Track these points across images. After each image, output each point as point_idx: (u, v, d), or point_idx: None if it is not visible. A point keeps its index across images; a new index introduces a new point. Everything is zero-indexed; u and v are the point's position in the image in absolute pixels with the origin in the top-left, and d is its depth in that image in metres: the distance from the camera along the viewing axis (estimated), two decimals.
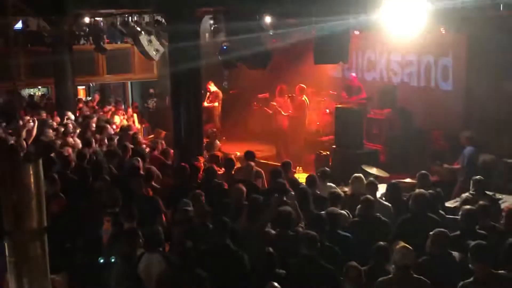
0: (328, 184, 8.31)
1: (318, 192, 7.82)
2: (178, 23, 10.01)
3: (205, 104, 15.48)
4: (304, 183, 8.17)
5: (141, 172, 8.73)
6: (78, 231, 6.77)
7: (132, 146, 10.61)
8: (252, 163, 9.01)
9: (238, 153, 12.90)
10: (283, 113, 13.56)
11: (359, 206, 6.83)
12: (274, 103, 13.97)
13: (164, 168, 9.33)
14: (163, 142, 11.22)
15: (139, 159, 9.34)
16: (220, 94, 16.14)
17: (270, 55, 10.13)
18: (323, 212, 6.73)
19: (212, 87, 15.96)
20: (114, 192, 7.21)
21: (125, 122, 14.25)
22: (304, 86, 13.56)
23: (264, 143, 13.99)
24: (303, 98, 13.41)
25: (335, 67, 14.70)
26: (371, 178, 7.90)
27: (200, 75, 10.51)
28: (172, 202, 7.54)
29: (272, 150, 13.48)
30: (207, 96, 15.82)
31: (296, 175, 10.94)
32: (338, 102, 13.29)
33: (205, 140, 11.48)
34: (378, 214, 6.79)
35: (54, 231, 4.05)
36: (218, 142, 12.00)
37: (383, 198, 7.75)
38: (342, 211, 6.94)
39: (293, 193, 7.58)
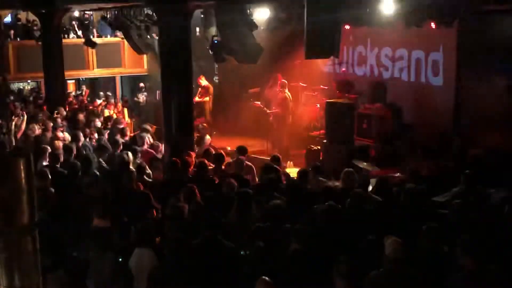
0: (320, 178, 8.37)
1: (309, 187, 7.89)
2: (169, 17, 9.99)
3: (196, 98, 15.47)
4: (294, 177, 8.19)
5: (131, 166, 8.77)
6: (68, 226, 6.77)
7: (122, 140, 10.60)
8: (243, 158, 9.06)
9: (229, 148, 12.92)
10: (267, 111, 13.62)
11: (349, 200, 6.86)
12: (258, 103, 14.02)
13: (154, 162, 9.34)
14: (149, 136, 11.20)
15: (130, 153, 9.40)
16: (211, 89, 16.15)
17: (260, 49, 10.13)
18: (316, 206, 6.79)
19: (203, 82, 15.96)
20: (103, 188, 7.20)
21: (115, 117, 14.23)
22: (285, 81, 13.59)
23: (256, 137, 13.94)
24: (286, 94, 13.42)
25: (326, 62, 14.73)
26: (362, 173, 7.92)
27: (191, 70, 10.54)
28: (163, 197, 7.57)
29: (263, 144, 13.48)
30: (198, 91, 15.81)
31: (287, 170, 11.00)
32: (329, 97, 13.31)
33: (195, 135, 11.49)
34: (369, 207, 6.82)
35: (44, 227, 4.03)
36: (208, 136, 12.00)
37: (373, 192, 7.74)
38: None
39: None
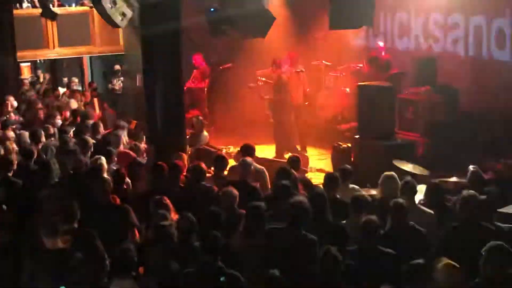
0: (351, 186, 8.39)
1: (338, 196, 7.89)
2: None
3: (189, 84, 15.47)
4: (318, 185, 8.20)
5: (105, 174, 8.78)
6: (25, 252, 6.79)
7: (93, 140, 10.63)
8: (251, 160, 8.99)
9: (232, 148, 12.90)
10: (264, 96, 13.67)
11: (390, 214, 6.89)
12: (252, 85, 14.08)
13: (135, 168, 9.37)
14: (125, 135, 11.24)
15: (103, 157, 9.39)
16: (208, 71, 16.16)
17: (271, 19, 10.12)
18: (346, 222, 6.85)
19: (198, 62, 16.00)
20: (69, 202, 7.21)
21: (83, 109, 14.27)
22: (279, 59, 13.46)
23: (266, 134, 13.99)
24: (280, 74, 13.33)
25: (357, 34, 14.64)
26: (407, 177, 7.95)
27: (181, 46, 10.53)
28: (147, 213, 7.55)
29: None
30: (192, 74, 15.82)
31: (308, 175, 11.00)
32: (362, 79, 13.27)
33: (188, 132, 11.48)
34: (413, 223, 6.82)
35: None
36: (205, 133, 12.00)
37: (422, 203, 7.77)
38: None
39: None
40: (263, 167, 9.40)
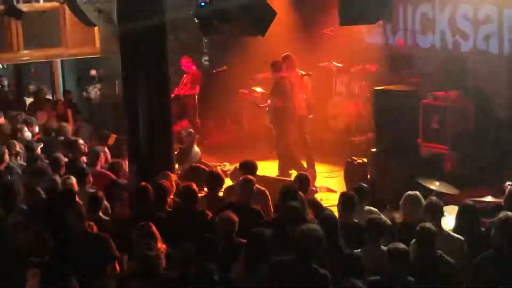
0: (367, 208, 8.42)
1: (356, 220, 7.93)
2: None
3: (178, 91, 15.45)
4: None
5: (78, 198, 8.73)
6: None
7: (65, 159, 10.61)
8: (251, 179, 8.96)
9: (228, 165, 12.84)
10: (260, 105, 13.64)
11: (414, 241, 6.91)
12: (245, 91, 14.10)
13: (114, 190, 9.31)
14: (106, 151, 11.20)
15: (73, 177, 9.38)
16: (200, 76, 16.13)
17: (272, 14, 10.10)
18: (363, 250, 6.86)
19: (188, 66, 16.00)
20: (38, 231, 7.19)
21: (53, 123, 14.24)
22: (279, 60, 13.35)
23: (267, 148, 13.97)
24: (281, 78, 13.16)
25: (373, 30, 14.72)
26: (432, 198, 7.95)
27: (166, 46, 10.53)
28: (129, 242, 7.50)
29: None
30: (182, 79, 15.82)
31: (317, 195, 10.99)
32: (379, 83, 13.25)
33: (177, 147, 11.44)
34: (440, 252, 6.79)
35: None
36: (196, 148, 11.96)
37: (452, 228, 7.75)
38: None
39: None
40: (264, 189, 9.39)
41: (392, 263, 6.43)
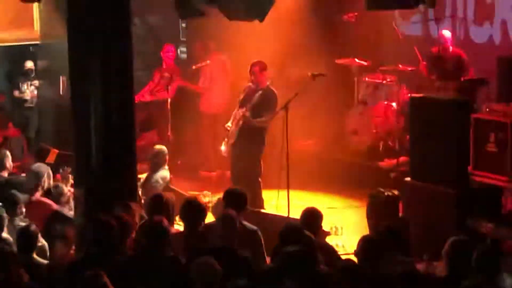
0: (400, 258, 8.45)
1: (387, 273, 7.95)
2: None
3: (144, 93, 15.42)
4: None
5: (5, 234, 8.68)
6: None
7: None
8: (234, 215, 9.13)
9: (210, 195, 12.86)
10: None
11: None
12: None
13: (55, 225, 9.23)
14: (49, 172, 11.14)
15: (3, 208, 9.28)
16: (177, 72, 16.23)
17: None
18: None
19: (170, 57, 16.18)
20: None
21: None
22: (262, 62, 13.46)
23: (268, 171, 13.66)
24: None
25: (408, 17, 14.84)
26: (486, 243, 7.89)
27: (130, 30, 10.39)
28: None
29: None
30: (156, 78, 15.77)
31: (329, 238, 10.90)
32: (417, 88, 13.23)
33: (139, 167, 11.35)
34: None
35: None
36: (166, 170, 11.89)
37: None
38: None
39: None
40: (255, 228, 9.41)
41: None
